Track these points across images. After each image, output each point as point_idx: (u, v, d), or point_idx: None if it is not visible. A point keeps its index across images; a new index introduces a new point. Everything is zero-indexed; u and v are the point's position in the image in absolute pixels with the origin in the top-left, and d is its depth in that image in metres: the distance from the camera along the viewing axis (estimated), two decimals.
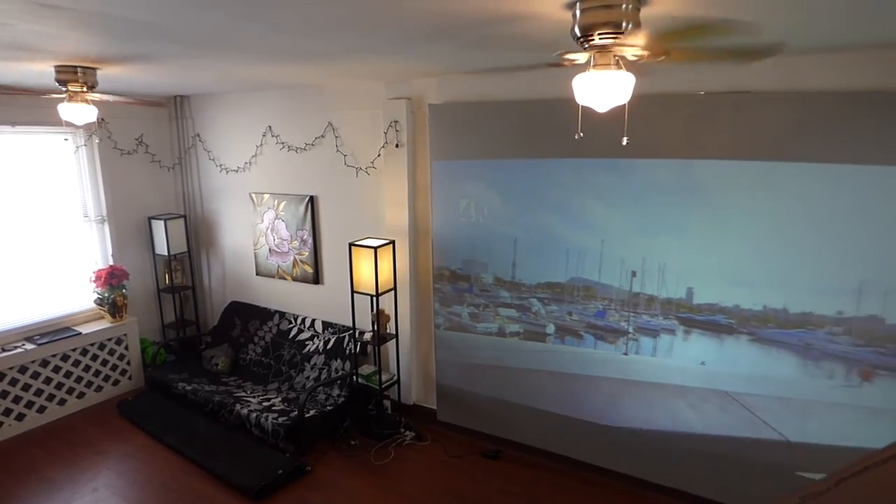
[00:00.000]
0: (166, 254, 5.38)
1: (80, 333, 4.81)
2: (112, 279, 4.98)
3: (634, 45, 2.02)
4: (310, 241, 4.92)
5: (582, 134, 2.30)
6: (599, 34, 1.92)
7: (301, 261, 5.03)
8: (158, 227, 5.37)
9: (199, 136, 5.48)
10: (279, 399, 4.49)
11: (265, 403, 4.39)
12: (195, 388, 4.66)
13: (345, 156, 4.52)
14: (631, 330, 3.55)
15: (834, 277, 2.93)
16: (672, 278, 3.36)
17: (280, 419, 4.08)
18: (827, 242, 2.92)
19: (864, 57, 2.72)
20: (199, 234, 5.74)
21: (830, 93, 2.81)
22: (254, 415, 4.16)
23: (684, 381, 3.43)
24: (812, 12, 1.96)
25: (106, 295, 5.00)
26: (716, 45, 2.53)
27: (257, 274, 5.35)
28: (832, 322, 2.96)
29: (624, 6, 1.84)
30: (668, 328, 3.42)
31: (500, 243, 3.90)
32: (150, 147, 5.44)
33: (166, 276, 5.57)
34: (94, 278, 4.97)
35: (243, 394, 4.59)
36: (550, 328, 3.83)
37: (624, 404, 3.64)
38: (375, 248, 4.01)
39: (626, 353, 3.59)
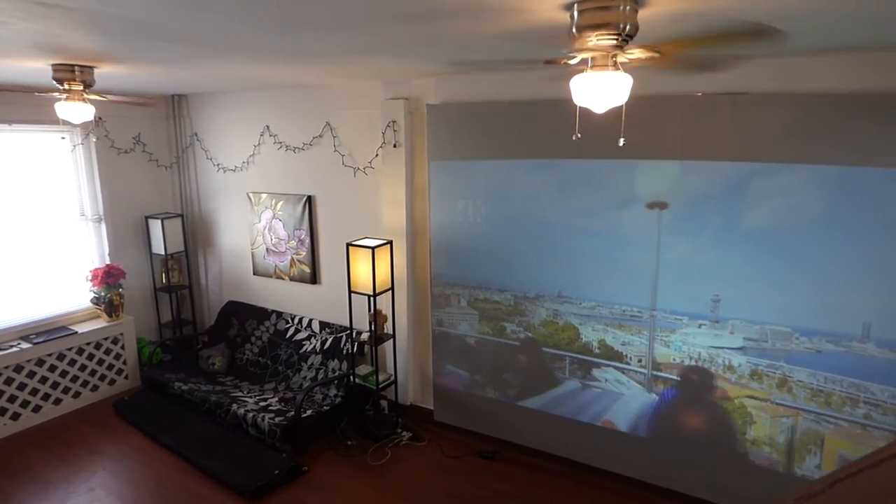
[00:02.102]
0: (163, 253, 5.37)
1: (77, 333, 4.80)
2: (109, 278, 4.96)
3: (632, 47, 2.02)
4: (307, 240, 4.92)
5: (580, 135, 2.30)
6: (597, 35, 1.92)
7: (298, 260, 5.02)
8: (155, 226, 5.36)
9: (196, 135, 5.47)
10: (276, 399, 4.48)
11: (262, 403, 4.38)
12: (192, 387, 4.65)
13: (343, 156, 4.52)
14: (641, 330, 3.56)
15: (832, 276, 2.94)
16: (674, 280, 3.37)
17: (277, 419, 4.08)
18: (825, 244, 2.93)
19: (861, 59, 2.74)
20: (196, 233, 5.73)
21: (828, 94, 2.82)
22: (250, 415, 4.16)
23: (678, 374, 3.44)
24: (809, 13, 1.97)
25: (102, 294, 4.98)
26: (707, 53, 2.54)
27: (254, 273, 5.34)
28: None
29: (621, 7, 1.84)
30: (671, 327, 3.43)
31: (498, 244, 3.90)
32: (148, 146, 5.43)
33: (163, 275, 5.56)
34: (90, 277, 4.95)
35: (240, 394, 4.58)
36: (549, 330, 3.83)
37: (621, 405, 3.65)
38: (373, 249, 4.00)
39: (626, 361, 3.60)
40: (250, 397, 4.51)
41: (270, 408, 4.30)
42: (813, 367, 3.06)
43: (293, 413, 4.11)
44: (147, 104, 3.93)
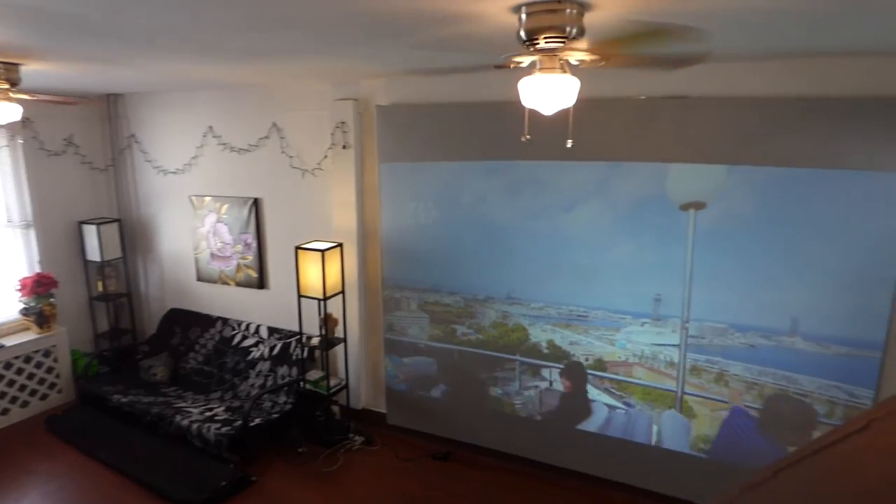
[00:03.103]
0: (99, 260, 5.10)
1: (3, 346, 4.49)
2: (39, 287, 4.68)
3: (578, 50, 2.07)
4: (254, 244, 4.79)
5: (529, 136, 2.34)
6: (545, 38, 1.96)
7: (245, 265, 4.88)
8: (90, 232, 5.09)
9: (134, 136, 5.23)
10: (222, 408, 4.33)
11: (207, 413, 4.23)
12: (132, 399, 4.43)
13: (290, 157, 4.43)
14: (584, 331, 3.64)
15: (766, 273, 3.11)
16: (619, 279, 3.47)
17: (223, 429, 3.94)
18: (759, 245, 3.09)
19: (793, 65, 2.90)
20: (135, 238, 5.47)
21: (762, 99, 2.98)
22: (195, 425, 4.00)
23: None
24: (744, 21, 2.08)
25: (32, 304, 4.69)
26: (650, 51, 2.64)
27: (198, 279, 5.16)
28: None
29: (568, 11, 1.88)
30: (615, 326, 3.53)
31: (449, 246, 3.92)
32: (81, 148, 5.16)
33: (99, 283, 5.28)
34: (18, 287, 4.65)
35: (184, 404, 4.41)
36: (499, 332, 3.88)
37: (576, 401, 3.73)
38: (323, 252, 3.94)
39: (573, 359, 3.68)
40: (195, 408, 4.34)
41: (217, 418, 4.15)
42: (748, 361, 3.22)
43: (241, 422, 3.99)
44: (79, 103, 3.73)
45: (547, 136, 2.57)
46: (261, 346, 4.70)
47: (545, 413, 3.82)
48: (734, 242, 3.14)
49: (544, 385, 3.80)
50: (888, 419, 0.63)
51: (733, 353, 3.24)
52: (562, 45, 1.97)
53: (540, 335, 3.74)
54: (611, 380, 3.59)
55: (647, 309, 3.41)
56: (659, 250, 3.32)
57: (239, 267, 4.91)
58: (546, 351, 3.74)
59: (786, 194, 3.00)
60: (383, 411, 4.41)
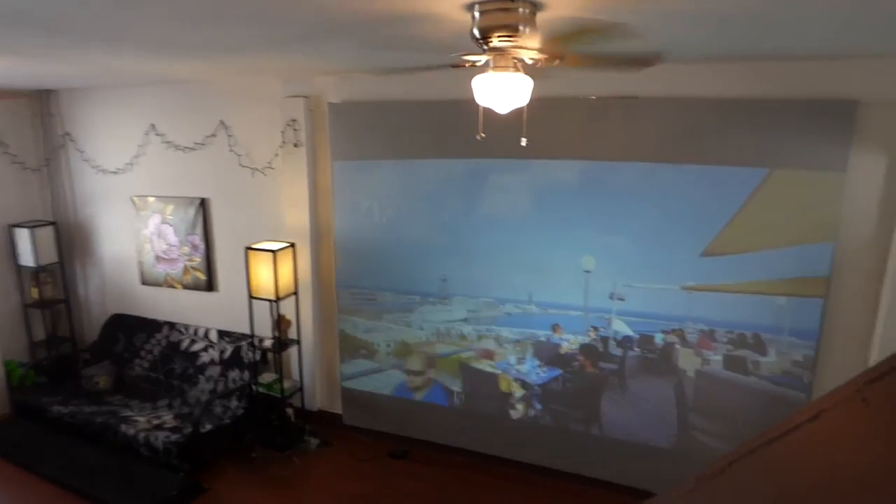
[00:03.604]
0: (33, 265, 4.82)
1: None
2: None
3: (531, 49, 2.11)
4: (201, 246, 4.64)
5: (484, 135, 2.37)
6: (498, 36, 1.99)
7: (192, 267, 4.72)
8: (22, 235, 4.80)
9: (69, 134, 4.97)
10: (171, 416, 4.18)
11: (155, 421, 4.07)
12: (73, 410, 4.22)
13: (239, 156, 4.31)
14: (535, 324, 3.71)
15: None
16: (570, 275, 3.56)
17: (172, 437, 3.81)
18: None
19: (736, 68, 3.05)
20: (73, 242, 5.20)
21: (706, 99, 3.12)
22: (142, 434, 3.85)
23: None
24: (690, 22, 2.17)
25: None
26: (604, 53, 2.71)
27: (143, 283, 4.95)
28: None
29: (521, 10, 1.92)
30: (558, 321, 3.62)
31: (403, 245, 3.92)
32: (10, 147, 4.86)
33: (34, 289, 5.00)
34: None
35: (130, 413, 4.23)
36: (456, 329, 3.90)
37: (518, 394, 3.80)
38: (274, 252, 3.87)
39: (521, 359, 3.75)
40: (142, 416, 4.17)
41: (165, 425, 4.00)
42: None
43: (191, 429, 3.86)
44: (6, 99, 3.51)
45: (502, 135, 2.61)
46: (210, 351, 4.56)
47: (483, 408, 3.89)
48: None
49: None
50: (836, 409, 0.68)
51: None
52: (515, 43, 2.01)
53: (489, 329, 3.80)
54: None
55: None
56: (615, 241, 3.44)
57: (186, 269, 4.75)
58: (493, 345, 3.81)
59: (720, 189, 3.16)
60: (339, 412, 4.36)
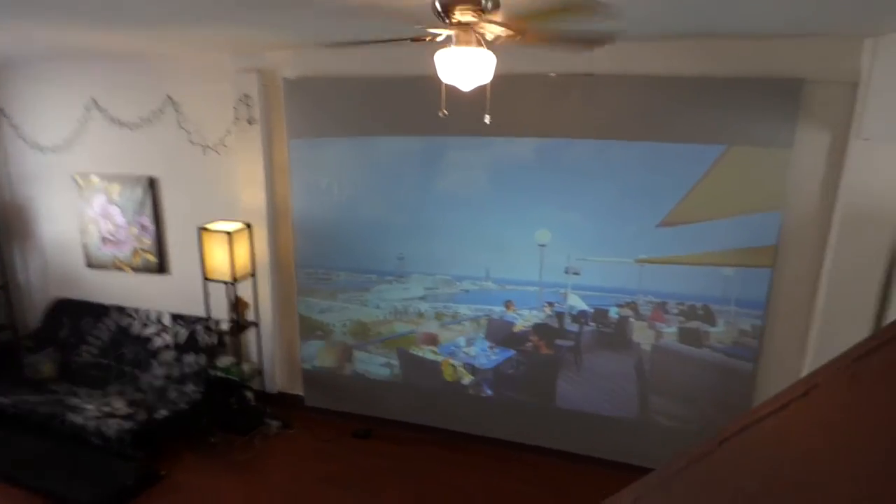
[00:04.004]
0: None
1: None
2: None
3: (494, 23, 2.09)
4: (151, 227, 4.46)
5: (446, 112, 2.34)
6: (461, 10, 1.96)
7: (142, 249, 4.54)
8: None
9: (2, 110, 4.65)
10: (123, 402, 4.03)
11: (105, 409, 3.92)
12: (15, 400, 4.02)
13: (189, 133, 4.14)
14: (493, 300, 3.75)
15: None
16: (528, 250, 3.60)
17: (125, 424, 3.68)
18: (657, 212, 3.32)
19: (689, 45, 3.09)
20: (9, 224, 4.90)
21: (660, 77, 3.16)
22: (92, 423, 3.70)
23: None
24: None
25: None
26: (562, 31, 2.71)
27: (89, 266, 4.73)
28: None
29: None
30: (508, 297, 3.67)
31: (363, 224, 3.87)
32: None
33: None
34: None
35: (77, 401, 4.05)
36: (413, 307, 3.90)
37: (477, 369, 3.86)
38: (230, 233, 3.75)
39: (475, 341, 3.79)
40: (91, 404, 4.00)
41: (117, 413, 3.86)
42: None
43: (145, 415, 3.75)
44: None
45: (463, 112, 2.59)
46: (164, 335, 4.42)
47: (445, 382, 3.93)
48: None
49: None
50: (825, 386, 0.70)
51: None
52: (477, 18, 1.98)
53: (447, 307, 3.83)
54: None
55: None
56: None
57: (135, 251, 4.56)
58: (452, 320, 3.84)
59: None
60: (301, 394, 4.32)
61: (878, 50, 2.77)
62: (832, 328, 3.09)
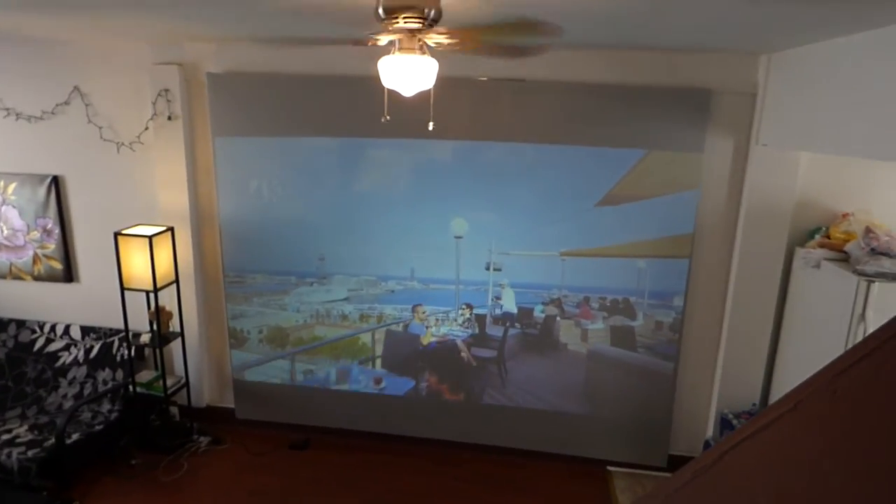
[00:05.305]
0: None
1: None
2: None
3: (438, 33, 2.05)
4: (56, 230, 4.05)
5: (389, 117, 2.27)
6: (404, 18, 1.90)
7: (44, 255, 4.12)
8: None
9: None
10: (25, 428, 3.65)
11: (5, 437, 3.52)
12: None
13: (100, 128, 3.78)
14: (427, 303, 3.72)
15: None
16: (467, 251, 3.59)
17: (29, 452, 3.33)
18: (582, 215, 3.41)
19: (612, 55, 3.23)
20: None
21: (586, 84, 3.28)
22: None
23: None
24: (586, 16, 2.22)
25: None
26: (501, 41, 2.72)
27: None
28: None
29: None
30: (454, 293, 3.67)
31: (296, 227, 3.72)
32: None
33: None
34: None
35: None
36: (337, 309, 3.81)
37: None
38: (150, 237, 3.48)
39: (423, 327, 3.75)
40: None
41: (18, 440, 3.49)
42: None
43: (53, 441, 3.41)
44: None
45: (397, 114, 2.52)
46: (73, 350, 4.04)
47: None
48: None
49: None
50: (810, 401, 0.72)
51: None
52: (420, 26, 1.93)
53: (379, 310, 3.76)
54: None
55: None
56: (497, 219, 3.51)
57: (36, 258, 4.13)
58: (389, 322, 3.78)
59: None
60: (231, 406, 4.10)
61: (771, 66, 3.07)
62: (741, 317, 3.38)
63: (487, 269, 3.59)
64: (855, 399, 0.71)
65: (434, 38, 2.11)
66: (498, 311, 3.64)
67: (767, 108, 3.09)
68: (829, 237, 3.06)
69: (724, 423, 3.37)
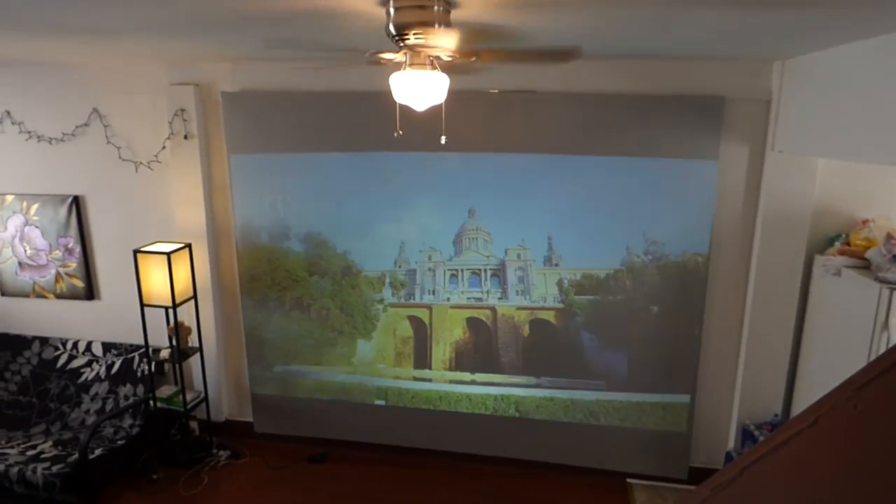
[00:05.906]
0: None
1: None
2: None
3: (447, 47, 2.06)
4: (77, 249, 4.14)
5: (401, 132, 2.29)
6: (414, 34, 1.92)
7: (66, 273, 4.20)
8: None
9: None
10: (49, 444, 3.72)
11: (30, 452, 3.59)
12: None
13: (118, 148, 3.86)
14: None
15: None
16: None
17: (54, 467, 3.39)
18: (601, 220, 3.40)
19: (625, 65, 3.22)
20: None
21: (598, 94, 3.26)
22: (15, 469, 3.38)
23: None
24: (596, 26, 2.22)
25: None
26: (522, 47, 2.72)
27: (3, 294, 4.33)
28: None
29: (435, 7, 1.87)
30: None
31: (312, 242, 3.75)
32: None
33: None
34: None
35: None
36: (364, 323, 3.82)
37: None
38: (168, 254, 3.53)
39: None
40: (12, 447, 3.67)
41: (43, 455, 3.55)
42: None
43: (76, 456, 3.46)
44: None
45: (412, 129, 2.55)
46: (95, 366, 4.11)
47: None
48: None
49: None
50: (830, 415, 0.71)
51: None
52: (430, 41, 1.95)
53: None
54: None
55: None
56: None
57: (59, 276, 4.22)
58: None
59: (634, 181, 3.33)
60: (250, 420, 4.13)
61: (785, 72, 3.03)
62: (761, 327, 3.33)
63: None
64: (876, 414, 0.70)
65: (444, 53, 2.12)
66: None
67: (782, 114, 3.05)
68: (849, 244, 3.00)
69: (745, 435, 3.31)
